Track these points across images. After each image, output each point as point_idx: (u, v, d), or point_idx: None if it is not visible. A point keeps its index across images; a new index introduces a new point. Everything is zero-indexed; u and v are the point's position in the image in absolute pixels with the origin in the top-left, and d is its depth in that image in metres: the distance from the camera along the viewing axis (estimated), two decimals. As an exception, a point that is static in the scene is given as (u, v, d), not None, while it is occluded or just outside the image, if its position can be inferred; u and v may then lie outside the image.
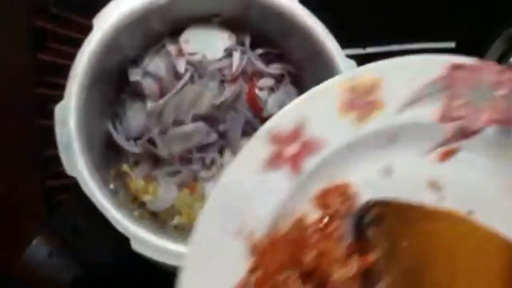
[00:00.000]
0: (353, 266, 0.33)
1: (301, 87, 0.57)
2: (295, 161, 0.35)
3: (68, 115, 0.43)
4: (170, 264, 0.42)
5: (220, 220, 0.33)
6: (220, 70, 0.53)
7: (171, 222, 0.57)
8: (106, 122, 0.54)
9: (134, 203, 0.57)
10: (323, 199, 0.36)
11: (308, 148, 0.35)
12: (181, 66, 0.52)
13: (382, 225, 0.34)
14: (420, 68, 0.36)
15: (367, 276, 0.33)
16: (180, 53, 0.53)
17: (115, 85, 0.55)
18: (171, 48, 0.53)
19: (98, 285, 0.47)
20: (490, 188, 0.37)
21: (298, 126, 0.35)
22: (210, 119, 0.56)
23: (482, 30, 0.68)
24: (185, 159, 0.57)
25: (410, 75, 0.36)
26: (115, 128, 0.55)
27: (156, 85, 0.54)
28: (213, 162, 0.58)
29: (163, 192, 0.57)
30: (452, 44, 0.69)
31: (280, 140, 0.35)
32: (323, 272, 0.33)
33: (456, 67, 0.36)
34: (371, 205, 0.35)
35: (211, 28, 0.53)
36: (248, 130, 0.57)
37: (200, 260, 0.33)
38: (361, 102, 0.35)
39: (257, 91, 0.55)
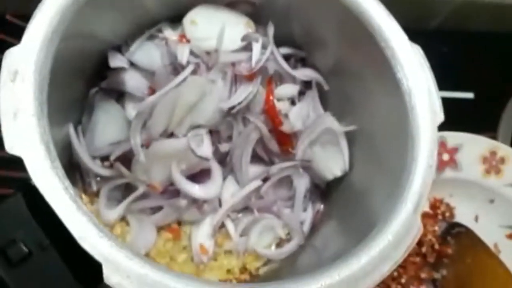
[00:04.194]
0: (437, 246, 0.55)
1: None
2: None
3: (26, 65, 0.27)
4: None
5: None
6: (233, 65, 0.40)
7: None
8: (67, 126, 0.39)
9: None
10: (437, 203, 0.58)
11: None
12: (183, 56, 0.39)
13: (459, 239, 0.55)
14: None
15: (437, 262, 0.55)
16: (183, 38, 0.40)
17: (87, 79, 0.40)
18: (169, 33, 0.40)
19: None
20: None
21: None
22: (210, 132, 0.41)
23: (500, 84, 0.64)
24: (170, 191, 0.41)
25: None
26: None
27: (145, 81, 0.40)
28: (207, 197, 0.42)
29: (135, 236, 0.41)
30: (470, 95, 0.63)
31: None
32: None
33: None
34: (459, 224, 0.56)
35: (225, 11, 0.41)
36: (259, 152, 0.43)
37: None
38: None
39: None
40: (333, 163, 0.43)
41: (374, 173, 0.39)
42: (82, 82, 0.40)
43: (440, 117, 0.34)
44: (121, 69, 0.40)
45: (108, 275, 0.25)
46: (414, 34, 0.37)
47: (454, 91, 0.63)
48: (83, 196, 0.41)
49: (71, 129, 0.39)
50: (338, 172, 0.43)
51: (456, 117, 0.59)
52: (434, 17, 0.66)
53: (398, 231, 0.31)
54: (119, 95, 0.41)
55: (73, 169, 0.41)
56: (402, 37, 0.36)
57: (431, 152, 0.33)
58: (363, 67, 0.39)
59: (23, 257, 0.26)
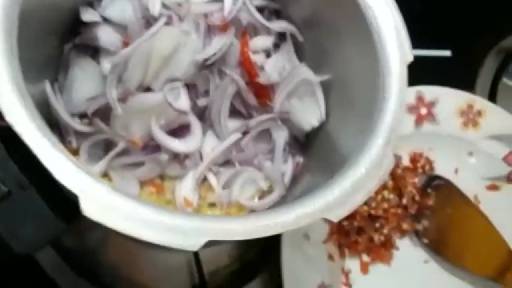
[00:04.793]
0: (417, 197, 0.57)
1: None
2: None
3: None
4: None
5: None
6: (205, 16, 0.40)
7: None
8: (44, 84, 0.39)
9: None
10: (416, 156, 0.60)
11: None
12: (155, 8, 0.39)
13: (439, 191, 0.57)
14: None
15: (418, 214, 0.57)
16: (154, -10, 0.40)
17: (60, 35, 0.40)
18: (141, -15, 0.40)
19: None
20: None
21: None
22: (187, 87, 0.42)
23: (477, 41, 0.65)
24: (151, 147, 0.42)
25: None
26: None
27: (118, 36, 0.40)
28: (188, 152, 0.43)
29: (118, 191, 0.41)
30: (447, 53, 0.64)
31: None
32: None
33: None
34: (438, 177, 0.58)
35: (196, -39, 0.41)
36: (237, 106, 0.43)
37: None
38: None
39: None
40: (310, 113, 0.43)
41: (348, 118, 0.40)
42: (55, 37, 0.40)
43: (410, 56, 0.35)
44: (94, 25, 0.40)
45: (85, 207, 0.25)
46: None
47: (431, 49, 0.64)
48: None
49: (47, 86, 0.39)
50: (315, 122, 0.43)
51: (433, 75, 0.60)
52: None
53: (371, 163, 0.32)
54: (94, 51, 0.41)
55: (52, 129, 0.41)
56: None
57: (401, 89, 0.34)
58: (335, 14, 0.40)
59: (2, 196, 0.26)
